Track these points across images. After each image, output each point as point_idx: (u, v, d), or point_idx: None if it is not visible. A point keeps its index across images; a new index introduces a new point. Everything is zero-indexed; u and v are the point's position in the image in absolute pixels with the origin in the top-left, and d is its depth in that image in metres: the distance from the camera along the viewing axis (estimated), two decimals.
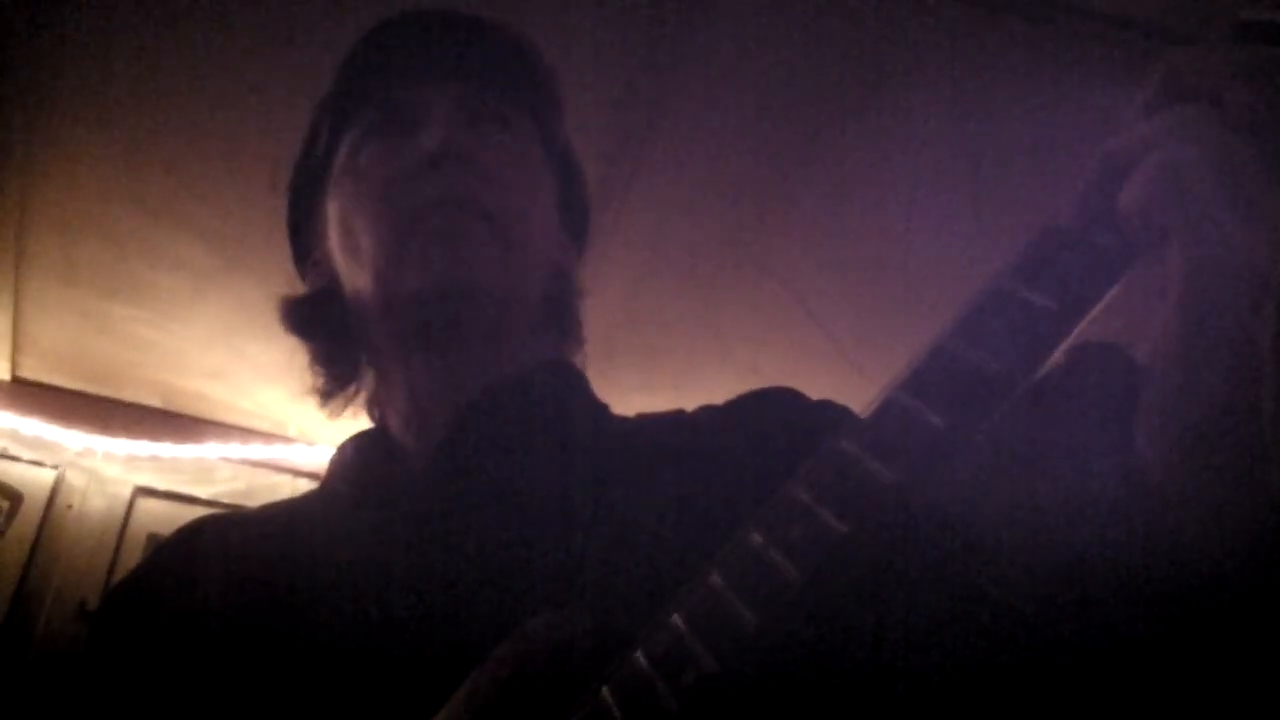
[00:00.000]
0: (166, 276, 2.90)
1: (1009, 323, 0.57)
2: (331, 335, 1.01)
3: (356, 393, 1.02)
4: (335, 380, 1.02)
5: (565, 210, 1.08)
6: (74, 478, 3.57)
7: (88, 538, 3.47)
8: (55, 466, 3.57)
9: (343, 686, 0.77)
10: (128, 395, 3.70)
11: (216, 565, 0.90)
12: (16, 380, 3.65)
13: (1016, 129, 2.22)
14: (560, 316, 1.04)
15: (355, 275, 0.96)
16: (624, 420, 0.99)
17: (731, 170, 2.51)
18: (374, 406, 1.02)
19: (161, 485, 3.62)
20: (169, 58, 2.25)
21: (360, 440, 1.00)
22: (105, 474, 3.60)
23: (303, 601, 0.83)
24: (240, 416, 3.72)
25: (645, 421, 0.98)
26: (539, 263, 0.99)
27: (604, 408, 1.00)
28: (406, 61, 0.99)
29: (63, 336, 3.39)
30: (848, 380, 2.88)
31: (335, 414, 1.04)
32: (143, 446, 3.66)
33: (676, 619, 0.57)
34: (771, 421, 0.90)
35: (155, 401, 3.71)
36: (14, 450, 3.55)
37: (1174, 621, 0.54)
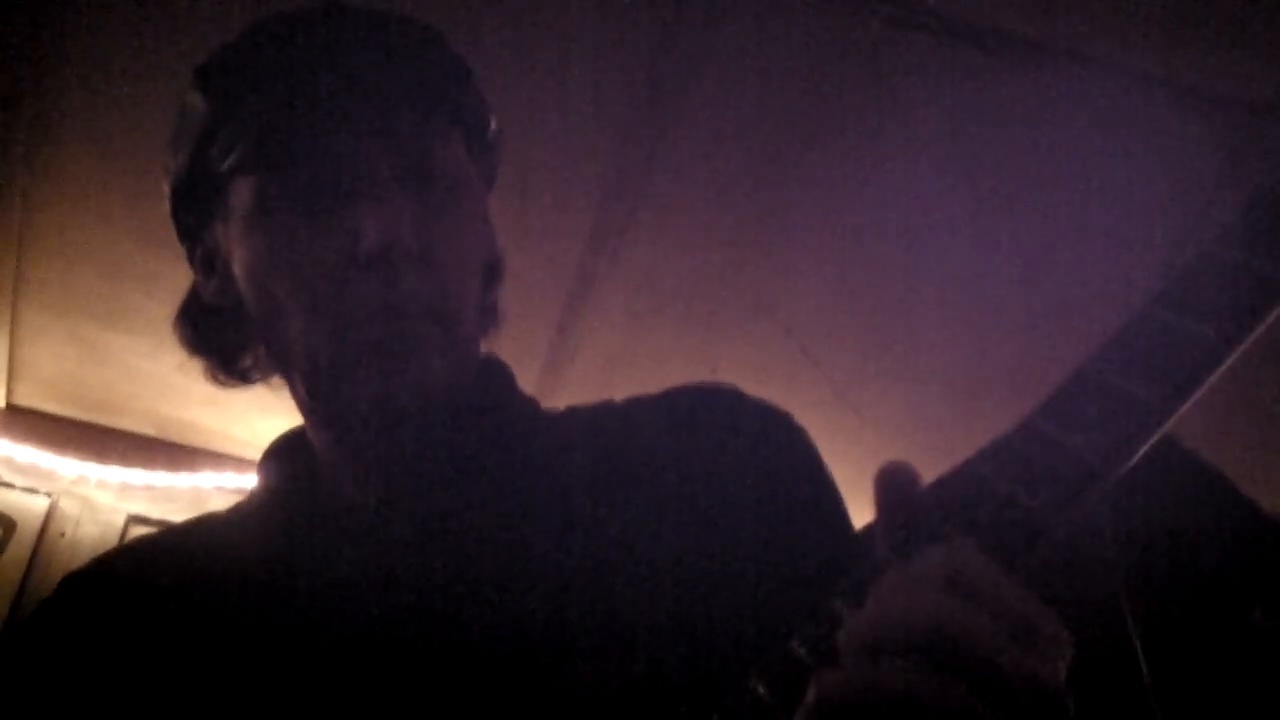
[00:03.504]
0: (163, 305, 2.84)
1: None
2: (235, 351, 0.96)
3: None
4: (238, 382, 0.98)
5: (486, 184, 0.99)
6: (67, 505, 3.55)
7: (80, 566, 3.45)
8: (49, 494, 3.55)
9: (336, 698, 0.76)
10: (122, 423, 3.69)
11: (150, 591, 0.88)
12: (11, 407, 3.64)
13: (1017, 163, 2.23)
14: (486, 310, 0.97)
15: (276, 347, 0.90)
16: (557, 413, 0.97)
17: (729, 208, 2.51)
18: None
19: (155, 514, 3.60)
20: (172, 85, 2.25)
21: (282, 449, 0.97)
22: (99, 502, 3.58)
23: (276, 626, 0.81)
24: (235, 446, 3.70)
25: (579, 415, 0.95)
26: (476, 312, 0.92)
27: (535, 402, 0.97)
28: (326, 82, 0.86)
29: (58, 364, 3.38)
30: (843, 418, 2.88)
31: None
32: (137, 475, 3.64)
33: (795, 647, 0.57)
34: (719, 425, 0.89)
35: (150, 430, 3.70)
36: (8, 477, 3.54)
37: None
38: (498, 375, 0.97)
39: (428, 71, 0.90)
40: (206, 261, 0.95)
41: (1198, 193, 2.11)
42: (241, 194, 0.88)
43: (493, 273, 0.97)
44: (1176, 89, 1.99)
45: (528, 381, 0.99)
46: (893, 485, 0.58)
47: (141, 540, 1.01)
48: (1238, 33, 1.85)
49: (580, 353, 2.95)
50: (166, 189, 0.96)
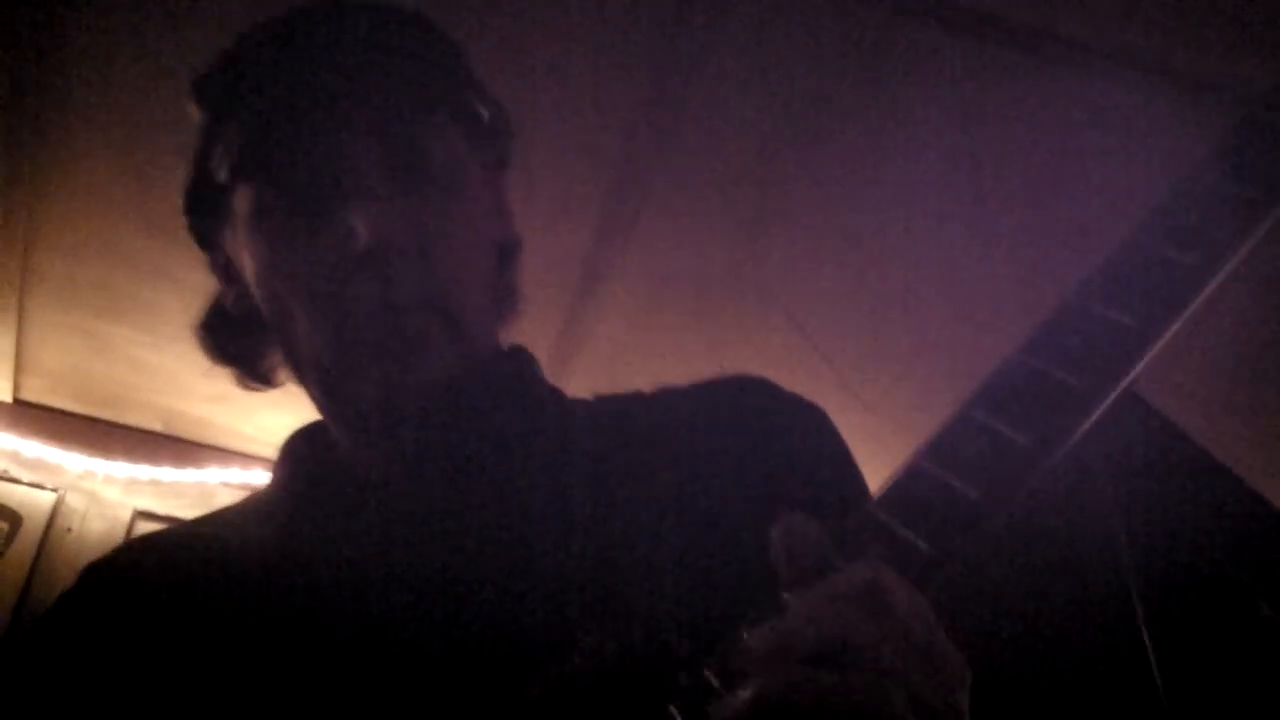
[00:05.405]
0: (170, 299, 2.90)
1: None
2: (256, 357, 0.97)
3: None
4: (264, 386, 0.99)
5: (496, 168, 0.98)
6: (74, 500, 3.57)
7: (86, 561, 3.45)
8: (55, 489, 3.57)
9: (339, 689, 0.76)
10: (129, 419, 3.70)
11: (168, 582, 0.89)
12: (18, 402, 3.65)
13: (1017, 154, 2.23)
14: (502, 294, 0.97)
15: (287, 350, 0.91)
16: (583, 403, 0.97)
17: (736, 200, 2.51)
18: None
19: (161, 509, 3.62)
20: (175, 78, 2.25)
21: (303, 440, 0.97)
22: (105, 497, 3.60)
23: (286, 610, 0.82)
24: (241, 441, 3.71)
25: (606, 404, 0.96)
26: (485, 298, 0.92)
27: (559, 392, 0.97)
28: (315, 84, 0.86)
29: (65, 359, 3.39)
30: (851, 412, 2.88)
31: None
32: (143, 470, 3.66)
33: (709, 675, 0.57)
34: (750, 416, 0.89)
35: (156, 425, 3.71)
36: (14, 472, 3.55)
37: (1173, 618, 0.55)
38: (520, 363, 0.97)
39: (419, 65, 0.90)
40: (226, 270, 0.96)
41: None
42: (242, 201, 0.88)
43: (507, 255, 0.97)
44: (1175, 78, 1.98)
45: None
46: (793, 533, 0.59)
47: (161, 533, 1.02)
48: (1236, 23, 1.85)
49: (587, 345, 2.95)
50: (180, 202, 0.96)
